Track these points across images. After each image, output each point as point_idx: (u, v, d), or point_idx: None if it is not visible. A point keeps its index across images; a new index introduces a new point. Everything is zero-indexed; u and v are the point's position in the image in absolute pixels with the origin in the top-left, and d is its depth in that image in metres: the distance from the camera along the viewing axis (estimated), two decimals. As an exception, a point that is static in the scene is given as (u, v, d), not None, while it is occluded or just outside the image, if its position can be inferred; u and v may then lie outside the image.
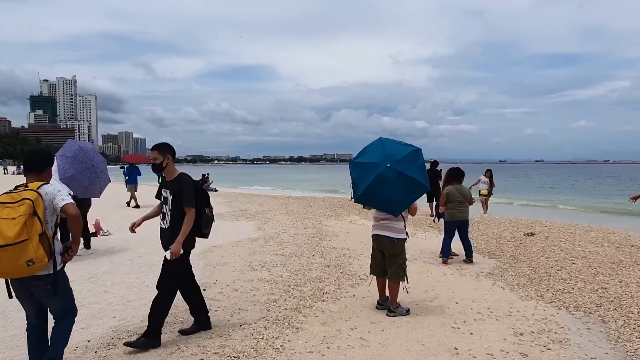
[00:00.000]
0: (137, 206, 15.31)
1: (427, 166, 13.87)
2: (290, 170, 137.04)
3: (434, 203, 13.80)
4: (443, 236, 7.64)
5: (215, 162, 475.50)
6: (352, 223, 12.03)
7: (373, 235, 4.99)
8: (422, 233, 10.70)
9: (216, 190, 24.39)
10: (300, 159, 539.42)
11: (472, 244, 7.67)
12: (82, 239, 7.30)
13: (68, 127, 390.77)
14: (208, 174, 27.72)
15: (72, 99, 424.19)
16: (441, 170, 13.87)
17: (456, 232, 7.56)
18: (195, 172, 37.69)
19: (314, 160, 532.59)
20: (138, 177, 16.30)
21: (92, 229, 9.22)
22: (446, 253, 7.47)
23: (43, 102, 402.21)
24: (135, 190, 15.85)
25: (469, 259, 7.42)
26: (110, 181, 7.36)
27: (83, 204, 7.32)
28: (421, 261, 7.49)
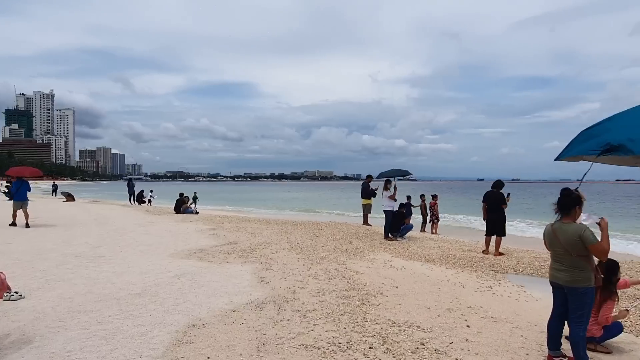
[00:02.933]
0: (18, 226, 13.41)
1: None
2: (273, 187, 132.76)
3: (494, 237, 10.47)
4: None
5: (196, 178, 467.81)
6: (389, 266, 8.66)
7: None
8: (497, 286, 7.40)
9: (197, 213, 20.78)
10: (281, 176, 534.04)
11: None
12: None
13: (44, 141, 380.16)
14: (195, 193, 26.00)
15: (49, 113, 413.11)
16: (509, 194, 10.57)
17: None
18: (175, 189, 34.22)
19: (295, 177, 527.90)
20: (28, 192, 13.96)
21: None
22: (554, 343, 4.13)
23: (19, 116, 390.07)
24: (24, 208, 13.63)
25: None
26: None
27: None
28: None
